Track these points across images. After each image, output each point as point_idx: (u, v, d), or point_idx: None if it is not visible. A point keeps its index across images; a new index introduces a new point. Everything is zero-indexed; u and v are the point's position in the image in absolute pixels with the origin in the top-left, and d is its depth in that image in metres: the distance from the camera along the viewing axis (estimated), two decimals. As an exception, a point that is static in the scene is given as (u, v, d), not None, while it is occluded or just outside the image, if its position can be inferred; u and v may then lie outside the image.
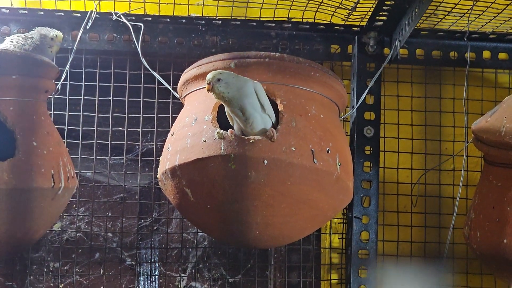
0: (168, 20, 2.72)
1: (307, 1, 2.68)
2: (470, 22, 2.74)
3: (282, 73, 2.46)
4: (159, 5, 2.72)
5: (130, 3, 2.70)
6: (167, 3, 2.71)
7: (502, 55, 2.83)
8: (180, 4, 2.71)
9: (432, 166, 2.85)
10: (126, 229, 2.87)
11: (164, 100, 2.81)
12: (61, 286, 2.83)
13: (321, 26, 2.75)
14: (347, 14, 2.70)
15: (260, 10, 2.71)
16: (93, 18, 2.73)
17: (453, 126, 2.87)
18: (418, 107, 2.90)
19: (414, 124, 2.88)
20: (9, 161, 2.35)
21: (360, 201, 2.74)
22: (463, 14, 2.67)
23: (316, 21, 2.73)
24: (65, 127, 2.75)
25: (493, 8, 2.63)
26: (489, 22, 2.72)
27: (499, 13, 2.67)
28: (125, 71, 2.77)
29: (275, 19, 2.73)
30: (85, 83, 2.76)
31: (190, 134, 2.45)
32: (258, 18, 2.72)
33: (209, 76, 2.32)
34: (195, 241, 2.92)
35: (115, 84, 2.77)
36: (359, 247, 2.75)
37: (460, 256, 2.85)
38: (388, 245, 2.86)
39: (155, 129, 2.81)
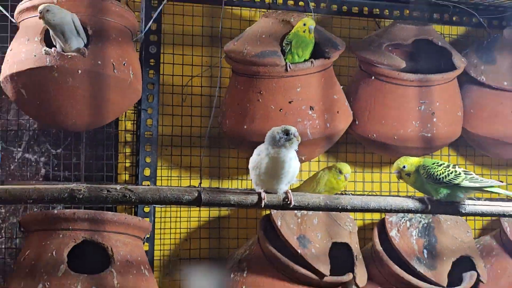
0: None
1: None
2: None
3: (92, 8, 2.70)
4: None
5: None
6: None
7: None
8: None
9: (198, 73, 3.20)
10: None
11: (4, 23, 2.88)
12: None
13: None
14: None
15: None
16: None
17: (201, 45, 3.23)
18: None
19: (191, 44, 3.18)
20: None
21: (146, 98, 3.02)
22: None
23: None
24: None
25: None
26: None
27: None
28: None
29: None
30: None
31: (24, 50, 2.70)
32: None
33: (40, 8, 2.56)
34: (28, 125, 3.06)
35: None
36: (145, 130, 3.02)
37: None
38: (165, 128, 3.15)
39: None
